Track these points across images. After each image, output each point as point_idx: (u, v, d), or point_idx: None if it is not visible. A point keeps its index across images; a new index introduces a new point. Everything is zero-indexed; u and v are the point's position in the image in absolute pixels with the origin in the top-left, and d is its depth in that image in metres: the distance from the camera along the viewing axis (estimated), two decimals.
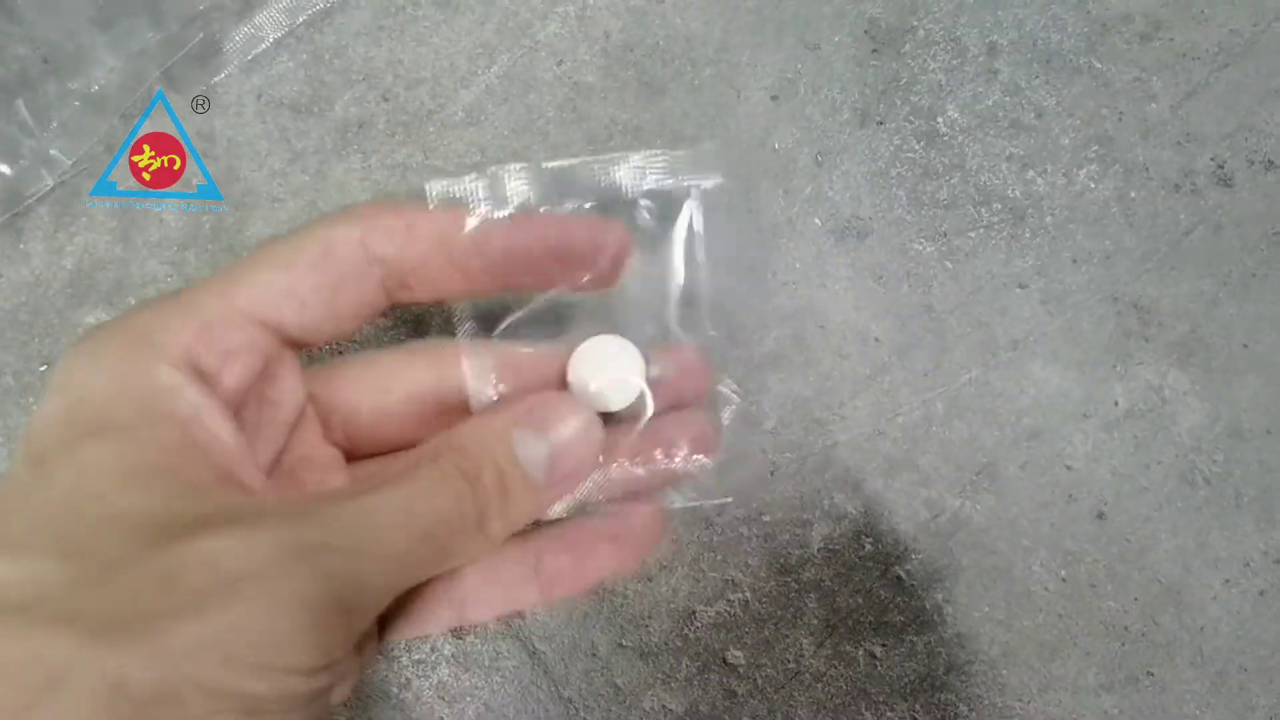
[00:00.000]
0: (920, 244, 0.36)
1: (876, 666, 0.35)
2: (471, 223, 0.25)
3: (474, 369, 0.27)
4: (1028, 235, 0.36)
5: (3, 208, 0.36)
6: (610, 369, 0.27)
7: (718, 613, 0.35)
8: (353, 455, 0.27)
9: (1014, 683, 0.35)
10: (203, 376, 0.22)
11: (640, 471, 0.28)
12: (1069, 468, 0.36)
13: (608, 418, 0.28)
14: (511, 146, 0.36)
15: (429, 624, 0.27)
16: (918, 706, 0.35)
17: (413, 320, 0.36)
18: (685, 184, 0.28)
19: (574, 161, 0.27)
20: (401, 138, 0.36)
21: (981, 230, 0.36)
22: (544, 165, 0.27)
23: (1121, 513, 0.36)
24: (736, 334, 0.33)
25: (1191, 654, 0.36)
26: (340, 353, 0.35)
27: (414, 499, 0.22)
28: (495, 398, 0.27)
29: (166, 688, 0.18)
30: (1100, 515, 0.36)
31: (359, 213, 0.25)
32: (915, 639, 0.35)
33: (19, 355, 0.36)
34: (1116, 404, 0.36)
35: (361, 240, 0.24)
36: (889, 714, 0.35)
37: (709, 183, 0.28)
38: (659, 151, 0.28)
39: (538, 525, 0.27)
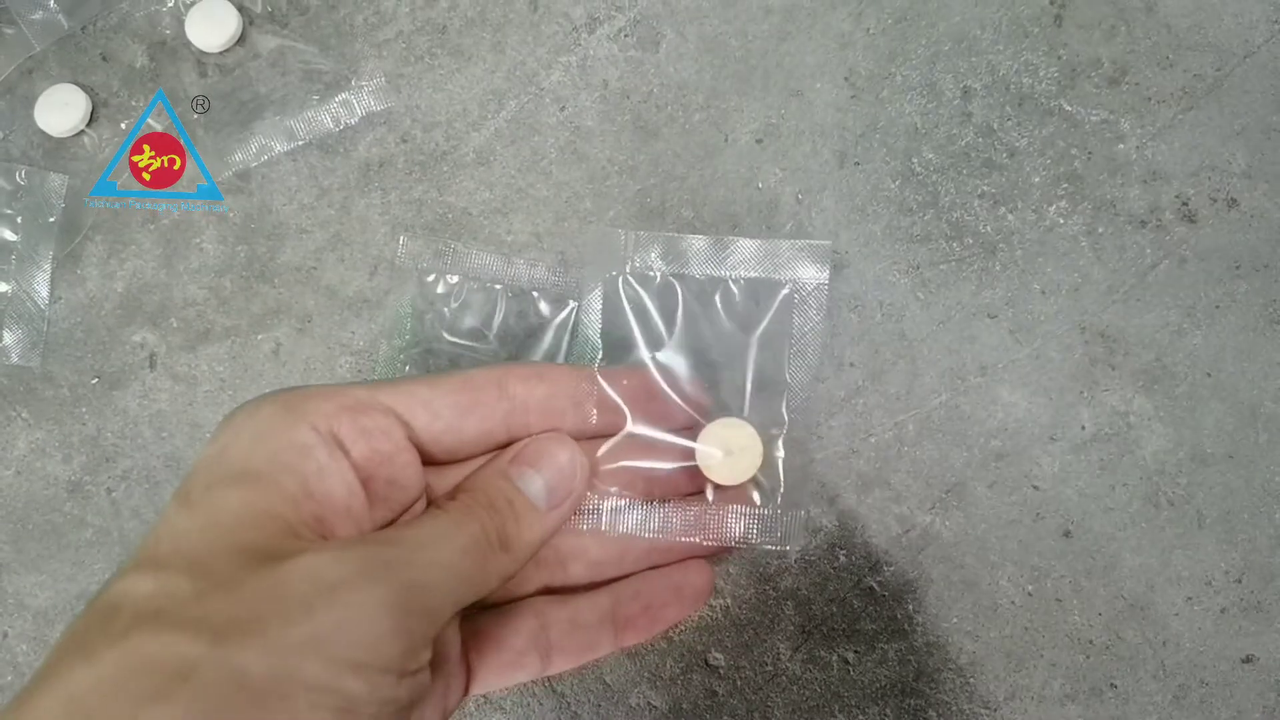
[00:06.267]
0: (894, 276, 0.38)
1: (850, 671, 0.37)
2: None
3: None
4: (998, 268, 0.38)
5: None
6: (734, 448, 0.32)
7: (700, 617, 0.38)
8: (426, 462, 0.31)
9: (981, 690, 0.37)
10: (337, 444, 0.27)
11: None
12: (1036, 488, 0.38)
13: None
14: (517, 184, 0.39)
15: (518, 672, 0.32)
16: (888, 710, 0.37)
17: None
18: (784, 278, 0.32)
19: (698, 239, 0.32)
20: (418, 176, 0.39)
21: (953, 263, 0.38)
22: (669, 236, 0.32)
23: (1087, 532, 0.38)
24: (807, 418, 0.35)
25: (1154, 667, 0.37)
26: None
27: (451, 525, 0.27)
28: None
29: (278, 682, 0.22)
30: (1066, 533, 0.38)
31: (504, 364, 0.31)
32: (887, 646, 0.38)
33: (74, 370, 0.40)
34: (1083, 428, 0.38)
35: (498, 379, 0.30)
36: (861, 717, 0.37)
37: (811, 281, 0.31)
38: (764, 241, 0.31)
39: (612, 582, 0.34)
